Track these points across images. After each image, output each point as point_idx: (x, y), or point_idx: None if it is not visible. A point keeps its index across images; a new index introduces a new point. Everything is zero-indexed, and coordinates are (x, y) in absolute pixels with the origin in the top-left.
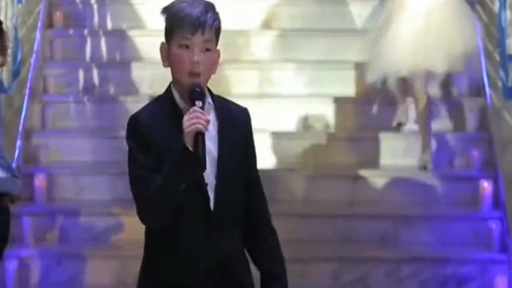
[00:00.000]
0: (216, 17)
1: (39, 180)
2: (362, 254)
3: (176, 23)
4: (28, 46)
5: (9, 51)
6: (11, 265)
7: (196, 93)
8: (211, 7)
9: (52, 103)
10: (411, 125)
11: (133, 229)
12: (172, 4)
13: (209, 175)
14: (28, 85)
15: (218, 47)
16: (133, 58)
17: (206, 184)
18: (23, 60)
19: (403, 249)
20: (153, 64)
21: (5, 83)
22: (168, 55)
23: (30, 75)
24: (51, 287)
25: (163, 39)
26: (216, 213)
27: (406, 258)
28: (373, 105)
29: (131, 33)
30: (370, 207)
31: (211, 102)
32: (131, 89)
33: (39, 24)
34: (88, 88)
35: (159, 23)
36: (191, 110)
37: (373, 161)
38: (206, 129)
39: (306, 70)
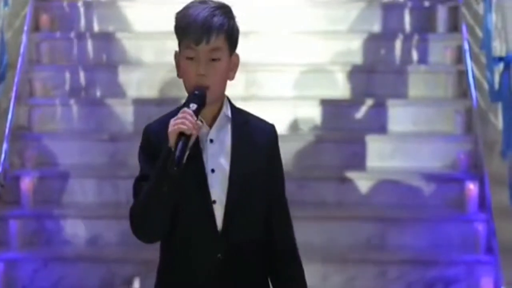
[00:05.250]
0: (225, 20)
1: (26, 183)
2: (349, 256)
3: (180, 33)
4: (15, 49)
5: None
6: None
7: (193, 96)
8: (221, 10)
9: (38, 106)
10: (398, 127)
11: (120, 232)
12: (180, 11)
13: (218, 192)
14: (14, 88)
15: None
16: (120, 61)
17: (214, 201)
18: (10, 63)
19: (390, 251)
20: (140, 67)
21: None
22: (179, 66)
23: (16, 78)
24: None
25: (150, 42)
26: (224, 234)
27: (393, 260)
28: (360, 107)
29: (118, 35)
30: (357, 209)
31: (229, 115)
32: (118, 92)
33: (25, 27)
34: (75, 91)
35: (146, 25)
36: (181, 111)
37: (360, 163)
38: (192, 132)
39: (292, 72)
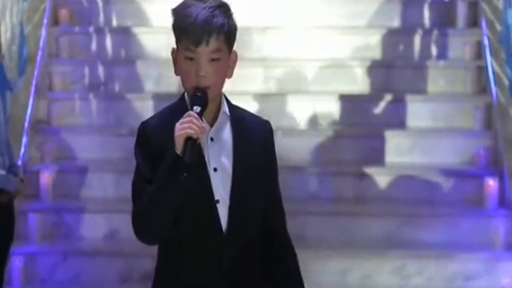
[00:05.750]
0: (225, 20)
1: (45, 177)
2: (368, 252)
3: (179, 32)
4: (34, 43)
5: (14, 49)
6: (17, 262)
7: (196, 98)
8: (220, 9)
9: (58, 100)
10: (417, 123)
11: None
12: (178, 8)
13: (221, 191)
14: (34, 82)
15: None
16: (138, 56)
17: (217, 201)
18: (29, 58)
19: (409, 247)
20: (159, 62)
21: (11, 81)
22: (177, 63)
23: (36, 72)
24: (57, 284)
25: (167, 36)
26: (229, 233)
27: (412, 256)
28: (379, 102)
29: (137, 30)
30: (376, 205)
31: (227, 113)
32: (136, 86)
33: (44, 21)
34: (94, 85)
35: (165, 20)
36: (186, 114)
37: (378, 159)
38: (199, 135)
39: (311, 67)
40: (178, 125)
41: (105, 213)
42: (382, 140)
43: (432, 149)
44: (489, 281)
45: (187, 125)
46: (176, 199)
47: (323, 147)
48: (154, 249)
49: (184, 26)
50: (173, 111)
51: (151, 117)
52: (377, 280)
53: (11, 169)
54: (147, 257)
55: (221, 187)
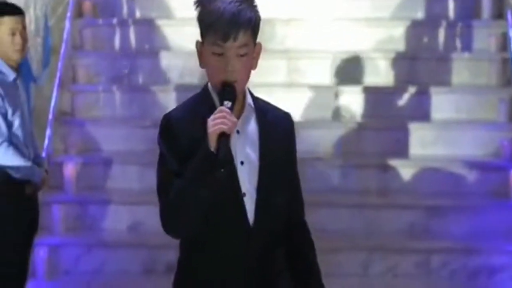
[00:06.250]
0: (252, 14)
1: (69, 169)
2: (391, 244)
3: (205, 27)
4: (58, 35)
5: (39, 41)
6: (41, 253)
7: (225, 92)
8: (246, 3)
9: (81, 92)
10: (441, 115)
11: None
12: (204, 2)
13: (247, 184)
14: (57, 75)
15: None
16: (162, 48)
17: (244, 194)
18: (53, 50)
19: (433, 239)
20: (182, 54)
21: (35, 73)
22: (202, 57)
23: (60, 64)
24: (81, 275)
25: (191, 28)
26: (256, 227)
27: (436, 249)
28: (402, 94)
29: (160, 22)
30: (400, 197)
31: (252, 105)
32: (160, 78)
33: (68, 14)
34: (117, 77)
35: (188, 11)
36: (217, 109)
37: (402, 151)
38: (232, 130)
39: (335, 59)
40: (210, 121)
41: (128, 205)
42: (405, 132)
43: (456, 141)
44: None
45: (220, 121)
46: (209, 194)
47: (346, 139)
48: (178, 241)
49: (211, 22)
50: (196, 102)
51: (174, 109)
52: (400, 273)
53: (36, 160)
54: (170, 249)
55: (247, 180)
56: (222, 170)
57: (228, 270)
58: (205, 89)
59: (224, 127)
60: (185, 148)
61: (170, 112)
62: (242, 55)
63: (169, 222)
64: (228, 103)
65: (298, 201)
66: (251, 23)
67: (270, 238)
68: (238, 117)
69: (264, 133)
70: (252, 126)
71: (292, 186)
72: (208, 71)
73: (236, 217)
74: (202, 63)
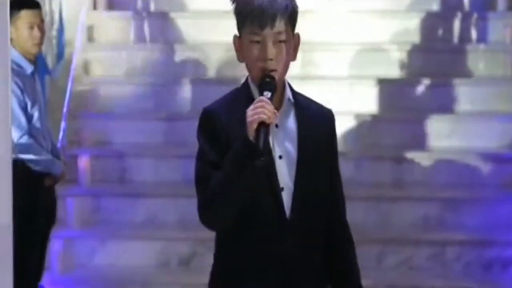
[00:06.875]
0: (288, 1)
1: (83, 162)
2: (406, 236)
3: (242, 18)
4: (72, 28)
5: (54, 34)
6: (56, 246)
7: (265, 83)
8: None
9: (96, 85)
10: (456, 107)
11: (176, 211)
12: None
13: (286, 179)
14: (72, 67)
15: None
16: (176, 41)
17: (282, 189)
18: (67, 43)
19: (447, 231)
20: (197, 47)
21: (50, 66)
22: (240, 50)
23: (74, 57)
24: (95, 268)
25: (206, 21)
26: (293, 222)
27: (450, 241)
28: (417, 86)
29: (174, 15)
30: (414, 189)
31: (292, 99)
32: (174, 71)
33: (83, 6)
34: (132, 70)
35: (202, 4)
36: (257, 99)
37: (417, 143)
38: (271, 120)
39: (349, 51)
40: (249, 111)
41: (143, 198)
42: (420, 125)
43: (471, 133)
44: None
45: (260, 110)
46: (246, 184)
47: (361, 131)
48: (193, 234)
49: (249, 11)
50: (235, 98)
51: (213, 103)
52: (415, 265)
53: (53, 152)
54: (185, 242)
55: (285, 175)
56: (262, 159)
57: (264, 265)
58: (245, 83)
59: (264, 117)
60: (224, 141)
61: (209, 106)
62: (280, 41)
63: (206, 213)
64: (267, 94)
65: (338, 199)
66: (288, 11)
67: (307, 235)
68: (277, 110)
69: (303, 129)
70: (291, 121)
71: (332, 183)
72: (247, 63)
73: (273, 211)
74: (241, 57)
